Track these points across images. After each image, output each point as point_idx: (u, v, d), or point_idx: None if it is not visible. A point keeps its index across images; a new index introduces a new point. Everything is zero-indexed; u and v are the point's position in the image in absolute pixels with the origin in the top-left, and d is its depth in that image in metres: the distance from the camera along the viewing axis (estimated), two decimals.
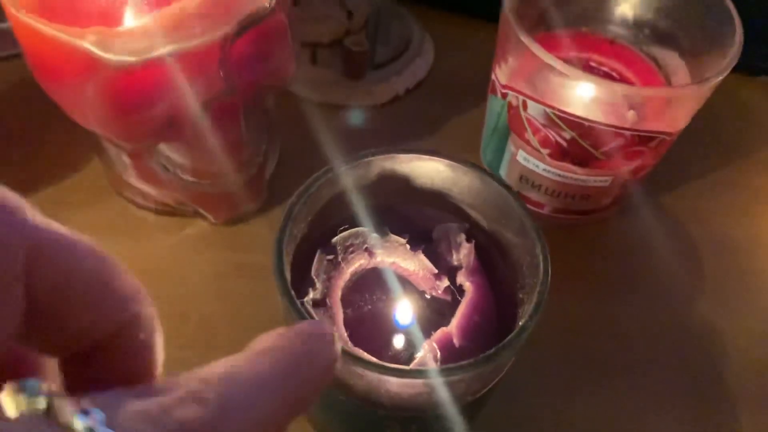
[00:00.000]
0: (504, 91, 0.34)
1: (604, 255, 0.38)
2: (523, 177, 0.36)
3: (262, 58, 0.31)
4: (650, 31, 0.37)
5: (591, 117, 0.32)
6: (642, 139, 0.33)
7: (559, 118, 0.32)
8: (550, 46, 0.31)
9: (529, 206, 0.38)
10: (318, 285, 0.26)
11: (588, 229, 0.39)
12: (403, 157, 0.27)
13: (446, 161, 0.27)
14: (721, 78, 0.31)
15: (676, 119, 0.33)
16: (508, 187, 0.26)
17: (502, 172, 0.38)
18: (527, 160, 0.35)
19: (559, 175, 0.35)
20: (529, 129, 0.34)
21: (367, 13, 0.42)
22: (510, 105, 0.34)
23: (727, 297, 0.37)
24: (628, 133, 0.32)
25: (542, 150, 0.34)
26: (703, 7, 0.34)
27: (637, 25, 0.37)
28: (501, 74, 0.34)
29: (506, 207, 0.27)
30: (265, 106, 0.36)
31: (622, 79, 0.37)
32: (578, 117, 0.32)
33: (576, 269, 0.37)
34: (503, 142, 0.36)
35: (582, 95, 0.32)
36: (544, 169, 0.35)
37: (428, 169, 0.27)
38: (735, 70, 0.46)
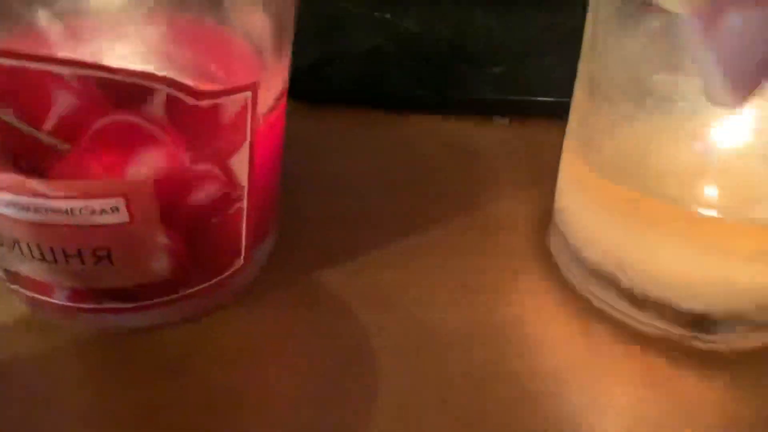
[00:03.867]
0: None
1: (199, 379, 0.20)
2: None
3: None
4: None
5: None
6: (121, 94, 0.16)
7: None
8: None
9: (32, 297, 0.20)
10: None
11: (168, 336, 0.21)
12: None
13: None
14: None
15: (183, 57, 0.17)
16: None
17: None
18: None
19: (20, 206, 0.18)
20: None
21: None
22: None
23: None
24: (66, 71, 0.16)
25: None
26: None
27: None
28: None
29: None
30: None
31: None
32: None
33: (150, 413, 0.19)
34: None
35: None
36: None
37: None
38: (469, 112, 0.33)
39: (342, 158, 0.29)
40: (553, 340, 0.22)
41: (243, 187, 0.20)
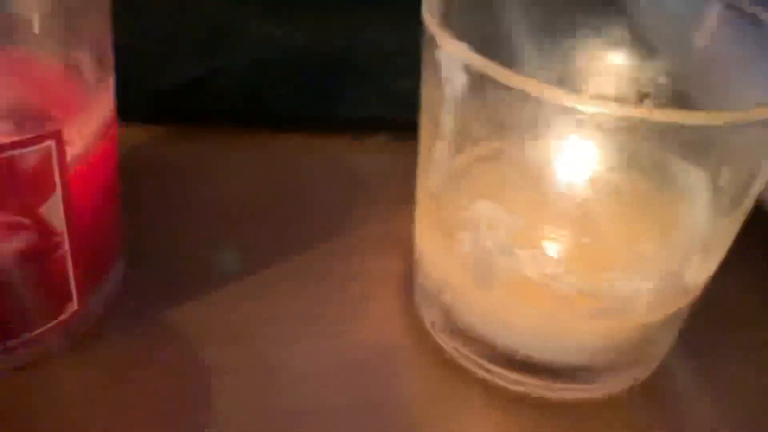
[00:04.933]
0: None
1: None
2: None
3: None
4: None
5: None
6: None
7: None
8: None
9: None
10: None
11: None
12: None
13: None
14: None
15: None
16: None
17: None
18: None
19: None
20: None
21: None
22: None
23: None
24: None
25: None
26: None
27: None
28: None
29: None
30: None
31: None
32: None
33: None
34: None
35: None
36: None
37: None
38: (350, 130, 0.32)
39: (213, 182, 0.29)
40: (405, 377, 0.22)
41: (61, 233, 0.19)
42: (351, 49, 0.35)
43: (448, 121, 0.18)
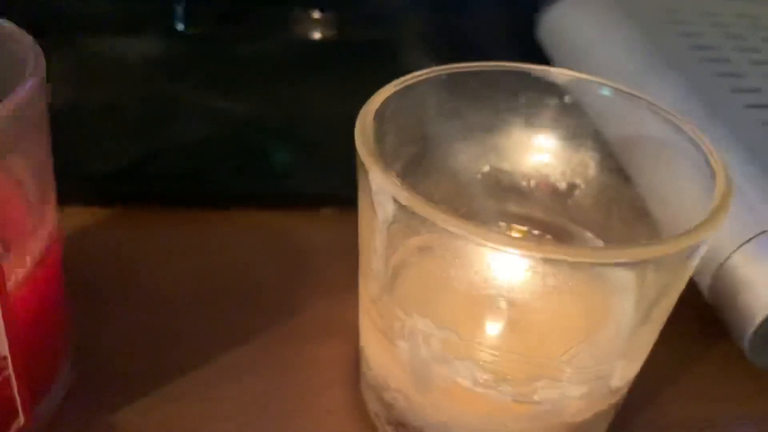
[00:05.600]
0: None
1: None
2: None
3: None
4: None
5: None
6: None
7: None
8: None
9: None
10: None
11: None
12: None
13: None
14: None
15: None
16: None
17: None
18: None
19: None
20: None
21: None
22: None
23: None
24: None
25: None
26: None
27: None
28: None
29: None
30: None
31: None
32: None
33: None
34: None
35: None
36: None
37: None
38: (298, 204, 0.33)
39: (156, 267, 0.29)
40: None
41: (5, 357, 0.19)
42: (295, 123, 0.36)
43: (380, 238, 0.19)
